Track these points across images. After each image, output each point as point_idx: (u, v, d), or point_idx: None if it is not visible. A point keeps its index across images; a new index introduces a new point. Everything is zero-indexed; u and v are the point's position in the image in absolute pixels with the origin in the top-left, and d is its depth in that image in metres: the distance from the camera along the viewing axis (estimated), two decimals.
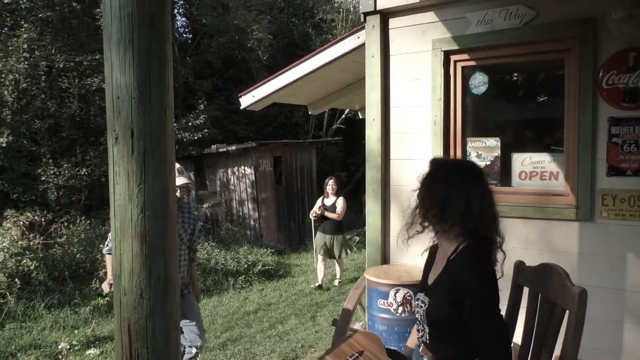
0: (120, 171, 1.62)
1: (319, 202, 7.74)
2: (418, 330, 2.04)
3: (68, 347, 5.20)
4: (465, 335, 1.79)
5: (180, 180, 3.66)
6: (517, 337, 2.27)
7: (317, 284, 7.79)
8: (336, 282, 7.97)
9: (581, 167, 2.97)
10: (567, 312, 1.86)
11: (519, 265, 2.33)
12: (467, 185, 1.85)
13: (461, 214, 1.81)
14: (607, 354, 2.92)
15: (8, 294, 6.47)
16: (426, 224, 1.90)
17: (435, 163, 1.98)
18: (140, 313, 1.65)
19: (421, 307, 1.97)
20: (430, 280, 1.99)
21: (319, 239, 7.69)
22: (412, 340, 2.22)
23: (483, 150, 3.41)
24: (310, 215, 7.80)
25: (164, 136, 1.64)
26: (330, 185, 7.64)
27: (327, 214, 7.54)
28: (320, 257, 7.77)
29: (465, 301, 1.76)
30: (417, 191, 1.94)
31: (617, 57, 2.86)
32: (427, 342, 1.96)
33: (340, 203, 7.51)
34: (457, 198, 1.82)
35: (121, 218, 1.64)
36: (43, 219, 8.64)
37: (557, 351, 1.91)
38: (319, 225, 7.72)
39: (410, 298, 3.15)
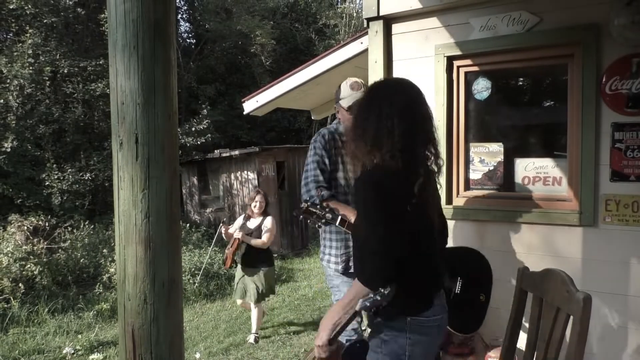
0: (125, 176, 1.62)
1: (238, 222, 5.73)
2: None
3: (72, 352, 5.21)
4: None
5: None
6: (522, 343, 2.26)
7: (250, 338, 5.60)
8: (251, 339, 5.58)
9: (584, 173, 2.97)
10: (572, 317, 1.85)
11: (523, 271, 2.33)
12: (383, 111, 1.82)
13: (371, 139, 1.80)
14: None
15: (12, 299, 6.48)
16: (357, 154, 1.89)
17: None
18: (144, 318, 1.66)
19: None
20: None
21: (238, 275, 5.65)
22: None
23: (486, 156, 3.41)
24: (223, 233, 5.56)
25: (168, 142, 1.65)
26: (256, 201, 5.63)
27: (251, 241, 5.44)
28: (240, 301, 5.76)
29: (358, 215, 1.84)
30: None
31: (620, 63, 2.86)
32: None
33: (269, 225, 5.55)
34: (371, 123, 1.82)
35: (125, 223, 1.65)
36: (47, 224, 8.66)
37: (562, 357, 1.90)
38: (237, 256, 5.59)
39: None
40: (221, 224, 5.63)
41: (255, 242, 5.45)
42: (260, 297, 5.50)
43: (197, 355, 5.02)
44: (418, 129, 1.85)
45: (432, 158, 1.94)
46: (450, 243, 3.36)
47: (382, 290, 1.70)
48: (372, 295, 1.71)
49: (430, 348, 1.92)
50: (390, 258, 1.72)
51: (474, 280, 2.77)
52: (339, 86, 2.88)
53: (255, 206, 5.63)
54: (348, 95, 2.61)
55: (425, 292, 1.86)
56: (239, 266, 5.62)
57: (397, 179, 1.77)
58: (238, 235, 5.43)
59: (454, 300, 2.66)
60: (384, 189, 1.75)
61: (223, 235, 5.57)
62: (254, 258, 5.48)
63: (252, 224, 5.61)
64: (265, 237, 5.50)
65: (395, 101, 1.83)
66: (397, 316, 1.82)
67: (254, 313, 5.60)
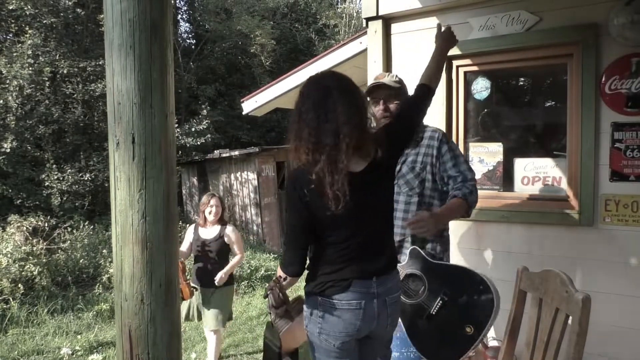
0: (121, 177, 1.62)
1: (188, 236, 4.54)
2: None
3: (70, 352, 5.20)
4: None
5: None
6: (521, 343, 2.25)
7: None
8: None
9: (584, 173, 2.96)
10: (571, 318, 1.84)
11: (522, 271, 2.32)
12: (303, 110, 1.87)
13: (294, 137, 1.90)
14: None
15: (11, 300, 6.47)
16: None
17: None
18: (141, 319, 1.65)
19: None
20: None
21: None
22: None
23: (485, 156, 3.40)
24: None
25: (165, 142, 1.65)
26: (211, 206, 4.46)
27: (227, 269, 4.37)
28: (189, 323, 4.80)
29: None
30: None
31: (619, 63, 2.86)
32: None
33: (234, 236, 4.48)
34: (294, 122, 1.91)
35: (122, 223, 1.64)
36: (46, 224, 8.65)
37: (561, 357, 1.89)
38: (190, 275, 4.54)
39: None
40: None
41: (233, 265, 4.46)
42: (221, 323, 4.44)
43: (193, 356, 5.01)
44: (322, 121, 1.82)
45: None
46: (450, 244, 3.36)
47: (282, 282, 1.97)
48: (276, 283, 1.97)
49: (349, 329, 1.94)
50: (296, 249, 1.96)
51: (462, 308, 2.43)
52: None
53: (210, 212, 4.43)
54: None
55: (340, 278, 1.93)
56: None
57: (301, 174, 1.87)
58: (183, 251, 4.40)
59: (427, 321, 2.43)
60: (290, 186, 1.93)
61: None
62: (212, 275, 4.32)
63: (207, 234, 4.44)
64: (238, 253, 4.53)
65: (302, 101, 1.91)
66: (311, 295, 1.99)
67: (212, 342, 4.57)
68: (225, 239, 4.47)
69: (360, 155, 1.87)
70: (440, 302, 2.40)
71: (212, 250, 4.40)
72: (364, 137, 1.85)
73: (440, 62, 2.38)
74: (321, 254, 1.95)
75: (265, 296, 2.01)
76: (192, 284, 4.40)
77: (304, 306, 2.05)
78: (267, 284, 2.03)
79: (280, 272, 2.02)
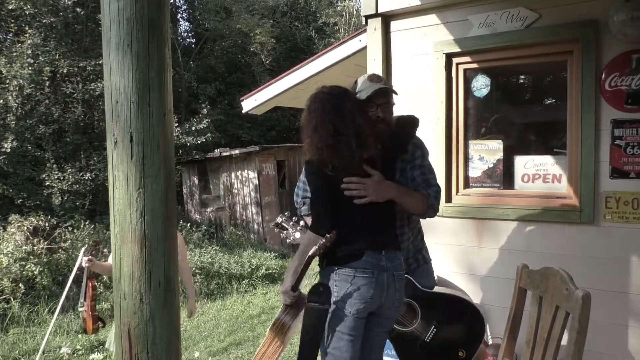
0: (120, 175, 1.61)
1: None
2: None
3: (70, 351, 5.20)
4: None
5: None
6: (521, 341, 2.25)
7: None
8: None
9: (584, 170, 2.95)
10: (571, 315, 1.84)
11: (522, 269, 2.31)
12: (315, 116, 2.22)
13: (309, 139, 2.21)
14: (611, 358, 2.90)
15: (12, 299, 6.48)
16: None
17: None
18: (140, 318, 1.65)
19: None
20: None
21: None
22: None
23: (486, 153, 3.40)
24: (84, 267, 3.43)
25: (163, 140, 1.64)
26: None
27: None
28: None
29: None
30: None
31: (619, 60, 2.85)
32: None
33: (178, 242, 3.09)
34: (308, 128, 2.22)
35: (121, 222, 1.64)
36: (47, 224, 8.64)
37: (561, 355, 1.89)
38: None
39: None
40: (82, 253, 3.51)
41: (191, 283, 3.78)
42: None
43: (196, 355, 5.01)
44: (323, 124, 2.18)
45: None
46: (450, 241, 3.36)
47: (327, 235, 2.09)
48: (320, 241, 2.10)
49: (364, 297, 2.10)
50: (323, 214, 2.18)
51: (455, 332, 2.53)
52: (355, 81, 2.78)
53: None
54: (366, 87, 2.54)
55: (354, 248, 2.13)
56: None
57: (315, 164, 2.21)
58: (86, 263, 3.38)
59: (422, 348, 2.50)
60: (310, 168, 2.26)
61: (84, 275, 3.57)
62: None
63: None
64: (183, 264, 3.36)
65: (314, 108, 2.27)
66: (328, 266, 2.18)
67: None
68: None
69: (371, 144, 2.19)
70: (434, 330, 2.48)
71: None
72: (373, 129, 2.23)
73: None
74: (336, 227, 2.13)
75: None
76: (101, 318, 3.71)
77: (321, 278, 2.20)
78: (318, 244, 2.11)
79: (305, 241, 2.17)
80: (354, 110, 2.20)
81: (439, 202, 2.44)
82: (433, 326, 2.48)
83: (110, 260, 3.34)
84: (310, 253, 2.11)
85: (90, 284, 3.65)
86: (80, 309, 3.81)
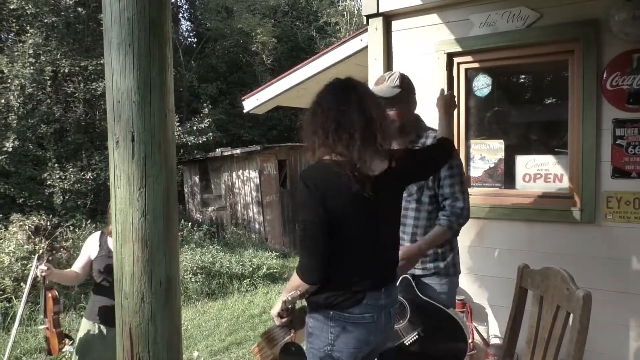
0: (121, 175, 1.62)
1: (90, 249, 3.18)
2: None
3: (73, 350, 5.20)
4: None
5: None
6: (522, 341, 2.25)
7: None
8: None
9: (585, 170, 2.95)
10: (572, 315, 1.84)
11: (523, 269, 2.32)
12: (316, 117, 1.86)
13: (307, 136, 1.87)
14: (612, 358, 2.90)
15: (14, 298, 6.49)
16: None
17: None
18: (141, 317, 1.65)
19: None
20: None
21: (87, 337, 3.06)
22: None
23: (487, 153, 3.40)
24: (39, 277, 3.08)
25: (164, 140, 1.64)
26: None
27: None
28: None
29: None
30: None
31: (621, 59, 2.84)
32: None
33: None
34: (308, 129, 1.87)
35: (122, 222, 1.64)
36: (49, 223, 8.65)
37: (562, 355, 1.89)
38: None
39: None
40: (35, 261, 3.19)
41: None
42: None
43: (195, 354, 5.02)
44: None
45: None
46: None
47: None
48: (304, 287, 1.83)
49: (362, 344, 1.87)
50: (316, 254, 1.80)
51: (435, 347, 2.45)
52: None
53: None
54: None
55: (353, 290, 1.84)
56: (84, 321, 3.11)
57: (317, 171, 1.85)
58: (42, 271, 2.99)
59: (399, 349, 2.44)
60: (304, 184, 1.83)
61: (42, 287, 3.19)
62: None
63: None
64: None
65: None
66: (321, 309, 1.87)
67: None
68: None
69: (379, 158, 1.85)
70: (416, 336, 2.42)
71: None
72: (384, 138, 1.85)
73: (448, 124, 2.39)
74: (332, 263, 1.82)
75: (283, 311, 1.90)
76: (68, 335, 3.19)
77: (309, 319, 1.93)
78: (286, 296, 1.88)
79: (295, 282, 1.85)
80: (362, 102, 1.83)
81: (463, 221, 2.42)
82: (416, 332, 2.41)
83: (75, 267, 3.15)
84: (289, 297, 1.83)
85: (50, 296, 3.13)
86: (40, 327, 3.17)
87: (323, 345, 1.86)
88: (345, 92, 1.88)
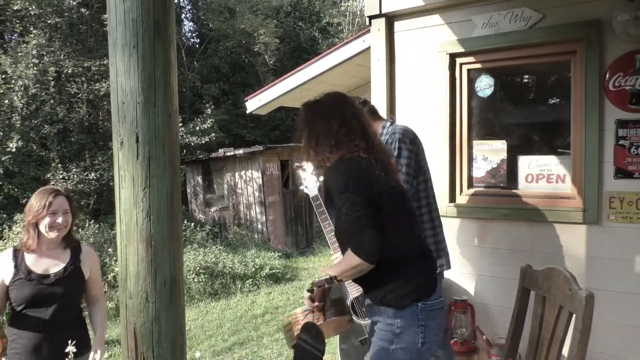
0: (126, 176, 1.62)
1: (4, 268, 2.39)
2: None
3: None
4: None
5: None
6: (524, 341, 2.26)
7: None
8: None
9: (588, 170, 2.95)
10: (574, 316, 1.84)
11: (526, 269, 2.32)
12: (325, 116, 2.02)
13: (330, 139, 1.97)
14: (614, 359, 2.90)
15: None
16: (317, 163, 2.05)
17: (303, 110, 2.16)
18: (145, 317, 1.66)
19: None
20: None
21: None
22: None
23: (489, 153, 3.40)
24: None
25: (169, 141, 1.65)
26: (54, 213, 2.41)
27: (99, 329, 2.77)
28: None
29: (335, 199, 1.89)
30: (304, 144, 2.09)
31: (623, 60, 2.85)
32: None
33: (94, 264, 2.67)
34: (322, 129, 2.00)
35: (127, 222, 1.65)
36: None
37: (565, 355, 1.89)
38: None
39: None
40: None
41: (103, 326, 2.81)
42: None
43: (197, 355, 5.03)
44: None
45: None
46: (453, 241, 3.36)
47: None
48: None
49: (439, 333, 1.94)
50: (374, 228, 1.82)
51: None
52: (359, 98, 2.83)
53: (52, 224, 2.41)
54: None
55: (427, 277, 1.92)
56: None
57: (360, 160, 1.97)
58: None
59: (360, 343, 2.53)
60: (354, 167, 1.96)
61: None
62: (57, 350, 2.28)
63: (46, 265, 2.45)
64: (99, 296, 2.79)
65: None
66: (409, 303, 1.86)
67: None
68: (84, 272, 2.58)
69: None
70: (366, 337, 2.47)
71: (58, 297, 2.44)
72: None
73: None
74: (399, 253, 1.88)
75: (310, 290, 1.89)
76: None
77: (396, 320, 1.86)
78: (319, 278, 1.85)
79: (352, 262, 1.81)
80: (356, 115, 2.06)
81: None
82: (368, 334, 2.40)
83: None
84: (316, 282, 1.87)
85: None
86: None
87: (414, 340, 1.86)
88: (343, 103, 2.08)
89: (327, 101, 2.08)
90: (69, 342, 2.13)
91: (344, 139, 1.95)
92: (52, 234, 2.44)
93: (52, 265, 2.49)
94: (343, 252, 1.99)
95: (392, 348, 1.87)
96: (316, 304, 1.90)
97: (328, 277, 1.84)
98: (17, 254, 2.45)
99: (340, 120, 1.97)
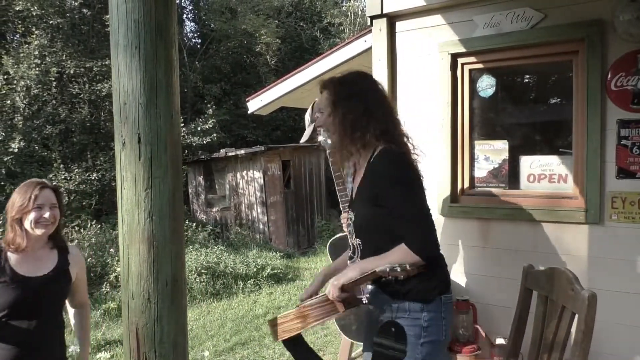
0: (128, 176, 1.63)
1: None
2: (350, 257, 2.09)
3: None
4: (392, 231, 1.83)
5: None
6: (527, 341, 2.26)
7: None
8: None
9: (590, 170, 2.95)
10: (577, 316, 1.84)
11: (528, 269, 2.32)
12: (365, 95, 1.96)
13: (371, 122, 1.92)
14: (617, 359, 2.89)
15: None
16: (354, 146, 1.96)
17: (327, 86, 2.04)
18: (148, 317, 1.66)
19: (349, 225, 2.03)
20: (354, 195, 2.07)
21: None
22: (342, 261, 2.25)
23: (491, 153, 3.40)
24: None
25: (170, 141, 1.65)
26: (40, 207, 2.15)
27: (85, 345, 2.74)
28: None
29: (383, 188, 1.84)
30: (330, 122, 2.00)
31: (625, 59, 2.84)
32: (360, 257, 1.98)
33: (81, 267, 2.50)
34: (361, 110, 1.92)
35: (129, 222, 1.65)
36: None
37: (567, 355, 1.89)
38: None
39: None
40: None
41: (88, 339, 2.75)
42: None
43: (206, 353, 5.03)
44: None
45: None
46: (455, 241, 3.36)
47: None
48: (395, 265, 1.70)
49: (450, 323, 1.98)
50: (433, 227, 1.87)
51: None
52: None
53: (37, 219, 2.17)
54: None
55: (444, 271, 1.99)
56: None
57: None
58: None
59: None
60: (407, 167, 1.98)
61: None
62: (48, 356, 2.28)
63: (32, 267, 2.22)
64: (84, 301, 2.66)
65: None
66: (435, 296, 1.88)
67: None
68: (72, 274, 2.39)
69: None
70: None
71: (44, 303, 2.24)
72: None
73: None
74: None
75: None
76: None
77: (423, 314, 1.84)
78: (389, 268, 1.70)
79: (401, 256, 1.75)
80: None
81: None
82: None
83: None
84: (378, 270, 1.73)
85: None
86: None
87: (439, 334, 1.88)
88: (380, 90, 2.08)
89: (380, 88, 2.08)
90: None
91: (392, 129, 1.96)
92: (38, 231, 2.16)
93: (38, 267, 2.22)
94: (369, 240, 1.96)
95: (420, 342, 1.86)
96: (345, 294, 1.82)
97: (392, 267, 1.69)
98: (0, 255, 2.17)
99: (391, 109, 2.03)
